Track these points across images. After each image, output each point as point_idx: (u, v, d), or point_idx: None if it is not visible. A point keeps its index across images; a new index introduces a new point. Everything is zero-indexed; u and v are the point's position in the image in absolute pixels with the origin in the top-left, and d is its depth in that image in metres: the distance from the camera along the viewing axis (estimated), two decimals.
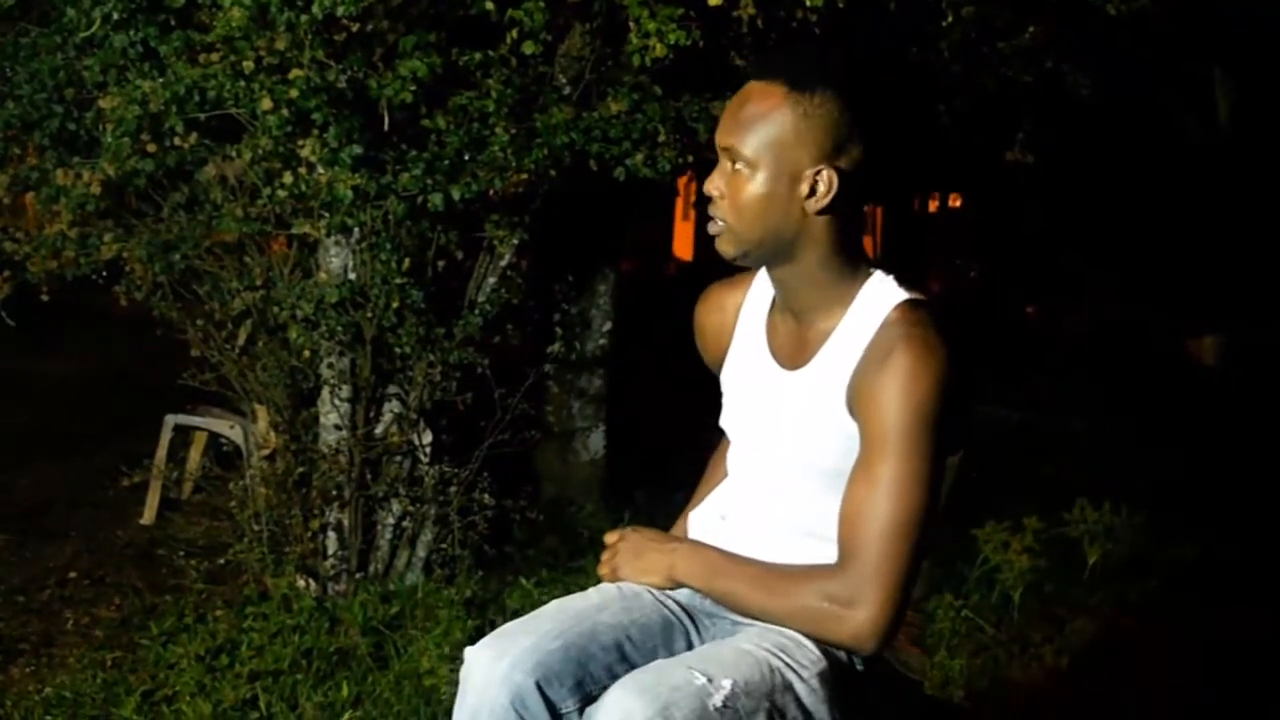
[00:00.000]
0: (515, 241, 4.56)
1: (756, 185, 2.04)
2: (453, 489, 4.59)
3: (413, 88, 4.07)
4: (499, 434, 4.68)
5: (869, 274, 2.11)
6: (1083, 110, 12.88)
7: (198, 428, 6.14)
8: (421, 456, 4.65)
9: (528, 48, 4.24)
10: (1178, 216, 14.23)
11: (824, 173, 2.02)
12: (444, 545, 4.67)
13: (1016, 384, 10.08)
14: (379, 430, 4.59)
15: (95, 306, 6.77)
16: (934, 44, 5.65)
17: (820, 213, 2.03)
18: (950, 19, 4.89)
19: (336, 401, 4.51)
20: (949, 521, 2.15)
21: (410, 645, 4.12)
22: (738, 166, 2.04)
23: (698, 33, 4.23)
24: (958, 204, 23.09)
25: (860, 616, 1.96)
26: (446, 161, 4.19)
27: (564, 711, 2.01)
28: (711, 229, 2.10)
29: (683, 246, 20.55)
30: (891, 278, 2.11)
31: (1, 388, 8.59)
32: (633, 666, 2.03)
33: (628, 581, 2.20)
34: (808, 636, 2.02)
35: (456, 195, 4.19)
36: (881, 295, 2.08)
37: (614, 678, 1.99)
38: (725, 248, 2.09)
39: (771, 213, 2.04)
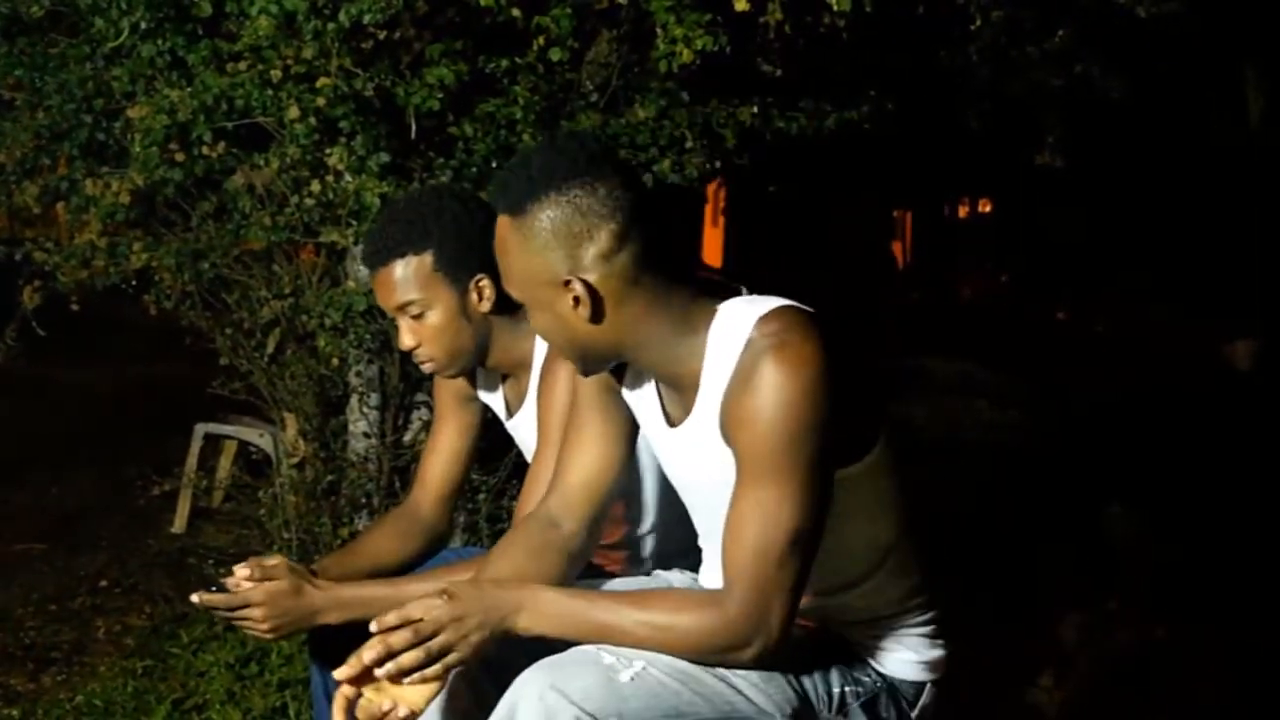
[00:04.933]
0: None
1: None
2: (481, 496, 4.57)
3: (440, 95, 4.07)
4: None
5: (714, 311, 1.95)
6: (1112, 113, 12.82)
7: (228, 436, 6.17)
8: None
9: (554, 54, 4.23)
10: (1210, 218, 14.16)
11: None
12: None
13: (1047, 388, 10.03)
14: (407, 438, 4.59)
15: (125, 316, 6.80)
16: (962, 48, 5.63)
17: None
18: (979, 23, 4.86)
19: (365, 409, 4.51)
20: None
21: None
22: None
23: (725, 38, 4.21)
24: (987, 209, 23.05)
25: (742, 651, 1.86)
26: (474, 169, 4.18)
27: None
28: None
29: (712, 253, 20.55)
30: (742, 298, 1.96)
31: (33, 398, 8.64)
32: None
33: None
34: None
35: None
36: (736, 322, 1.91)
37: None
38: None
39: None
